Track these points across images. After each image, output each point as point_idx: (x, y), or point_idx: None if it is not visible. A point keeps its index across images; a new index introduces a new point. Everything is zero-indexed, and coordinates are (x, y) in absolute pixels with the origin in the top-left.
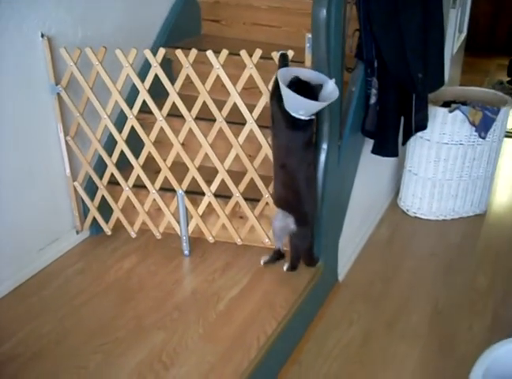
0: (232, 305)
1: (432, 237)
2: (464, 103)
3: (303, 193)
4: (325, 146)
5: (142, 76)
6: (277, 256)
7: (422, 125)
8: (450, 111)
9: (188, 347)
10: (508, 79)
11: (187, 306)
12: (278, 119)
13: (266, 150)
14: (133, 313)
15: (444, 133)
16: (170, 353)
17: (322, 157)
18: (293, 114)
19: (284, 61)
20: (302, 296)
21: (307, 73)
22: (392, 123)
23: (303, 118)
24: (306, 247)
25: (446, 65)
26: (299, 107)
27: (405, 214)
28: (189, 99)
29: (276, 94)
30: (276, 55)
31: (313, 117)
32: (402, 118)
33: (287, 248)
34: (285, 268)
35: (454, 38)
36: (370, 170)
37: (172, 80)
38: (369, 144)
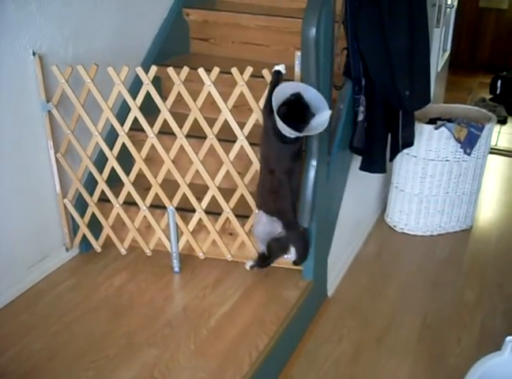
0: (223, 321)
1: (419, 252)
2: (449, 120)
3: (290, 198)
4: (314, 163)
5: (132, 93)
6: (262, 260)
7: (409, 142)
8: (436, 128)
9: (180, 364)
10: (490, 96)
11: (178, 323)
12: (269, 131)
13: (256, 167)
14: (124, 330)
15: (430, 150)
16: (162, 369)
17: (312, 174)
18: (282, 132)
19: (277, 78)
20: (292, 311)
21: (312, 94)
22: (379, 140)
23: (290, 136)
24: (303, 247)
25: (431, 82)
26: (284, 130)
27: (392, 230)
28: (179, 117)
29: (268, 106)
30: (267, 73)
31: (301, 135)
32: (389, 135)
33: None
34: (247, 266)
35: (438, 56)
36: (358, 187)
37: (161, 98)
38: (357, 160)
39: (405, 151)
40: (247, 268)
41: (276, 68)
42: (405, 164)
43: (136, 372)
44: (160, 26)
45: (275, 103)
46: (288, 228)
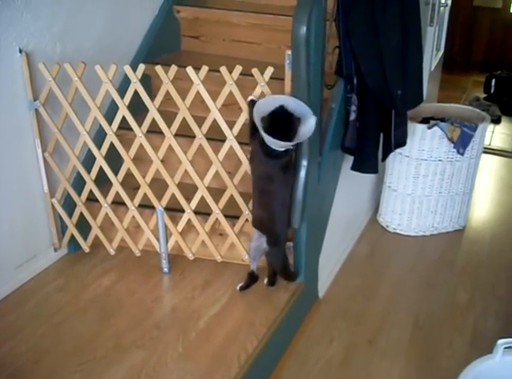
0: (212, 322)
1: (412, 252)
2: (442, 120)
3: (277, 214)
4: (305, 163)
5: (121, 91)
6: (251, 279)
7: (401, 142)
8: (429, 128)
9: (168, 366)
10: (484, 95)
11: (167, 324)
12: (256, 150)
13: (246, 167)
14: (112, 332)
15: (423, 150)
16: (149, 372)
17: (302, 174)
18: (270, 146)
19: (252, 107)
20: (282, 313)
21: (292, 103)
22: (372, 140)
23: (279, 149)
24: (280, 266)
25: (424, 81)
26: (271, 144)
27: (385, 230)
28: (168, 115)
29: (253, 130)
30: (256, 72)
31: (290, 147)
32: (382, 135)
33: (264, 264)
34: (265, 282)
35: (432, 55)
36: (350, 187)
37: (151, 96)
38: (348, 160)
39: (398, 150)
40: (237, 289)
41: (251, 98)
42: (398, 164)
43: (123, 374)
44: (150, 23)
45: (258, 118)
46: (273, 245)
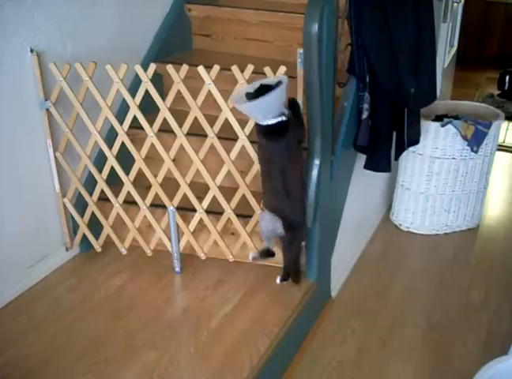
0: (224, 322)
1: (425, 251)
2: (456, 117)
3: (287, 198)
4: (317, 162)
5: (133, 90)
6: (267, 254)
7: (414, 140)
8: (442, 125)
9: (180, 367)
10: (498, 92)
11: (179, 324)
12: (257, 138)
13: (258, 166)
14: (123, 332)
15: (436, 148)
16: (161, 372)
17: (315, 173)
18: (262, 123)
19: None
20: (294, 313)
21: (270, 79)
22: (384, 138)
23: (270, 122)
24: (293, 258)
25: (437, 79)
26: (258, 113)
27: (398, 229)
28: (180, 114)
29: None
30: (268, 70)
31: (283, 118)
32: (394, 133)
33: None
34: (278, 280)
35: (445, 52)
36: (363, 185)
37: (163, 95)
38: (361, 158)
39: (411, 149)
40: (250, 258)
41: None
42: (411, 162)
43: (135, 375)
44: (161, 22)
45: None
46: (289, 229)
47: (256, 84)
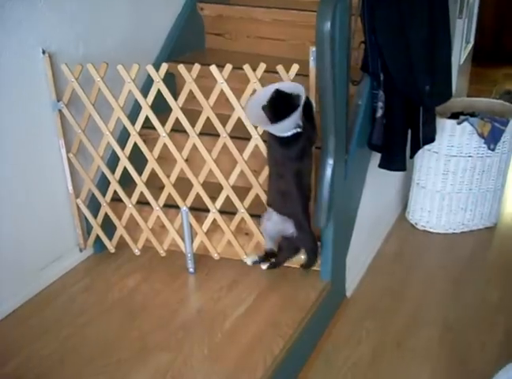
0: (238, 323)
1: (441, 251)
2: (472, 115)
3: (299, 200)
4: (330, 161)
5: (145, 91)
6: (270, 256)
7: (430, 138)
8: (458, 123)
9: (193, 368)
10: None
11: (192, 326)
12: (269, 140)
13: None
14: (137, 333)
15: (452, 146)
16: (175, 374)
17: (328, 172)
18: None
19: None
20: (309, 314)
21: (286, 85)
22: (399, 136)
23: (287, 134)
24: (310, 247)
25: (453, 76)
26: (280, 131)
27: (414, 227)
28: (193, 114)
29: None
30: (281, 68)
31: (298, 130)
32: (409, 131)
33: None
34: (264, 266)
35: (461, 48)
36: (378, 184)
37: (175, 95)
38: (376, 157)
39: (427, 147)
40: (249, 263)
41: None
42: (427, 160)
43: (148, 377)
44: (173, 21)
45: (257, 109)
46: (300, 229)
47: (271, 89)
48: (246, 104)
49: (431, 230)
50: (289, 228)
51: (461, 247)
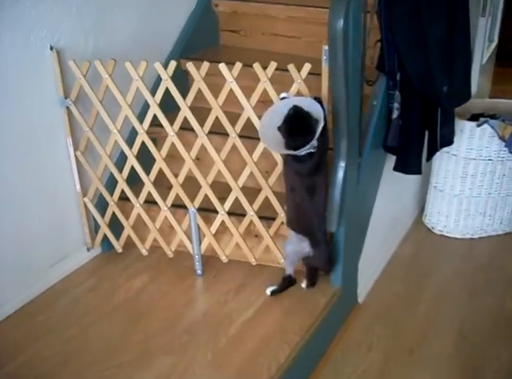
0: (244, 329)
1: (458, 256)
2: (493, 117)
3: (313, 214)
4: (342, 164)
5: (156, 89)
6: (288, 283)
7: (448, 140)
8: (478, 125)
9: (196, 374)
10: None
11: (197, 329)
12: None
13: (282, 166)
14: (141, 336)
15: (472, 148)
16: None
17: (340, 176)
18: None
19: None
20: (318, 320)
21: (306, 103)
22: (415, 139)
23: (300, 154)
24: (324, 264)
25: (474, 75)
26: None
27: (430, 232)
28: (203, 112)
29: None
30: (292, 67)
31: (312, 150)
32: (426, 133)
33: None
34: (303, 285)
35: (484, 47)
36: (394, 187)
37: (188, 93)
38: (391, 159)
39: (445, 149)
40: (268, 293)
41: (282, 95)
42: (445, 163)
43: None
44: (187, 18)
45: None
46: (316, 247)
47: (286, 106)
48: (260, 123)
49: (449, 234)
50: (305, 247)
51: (478, 253)
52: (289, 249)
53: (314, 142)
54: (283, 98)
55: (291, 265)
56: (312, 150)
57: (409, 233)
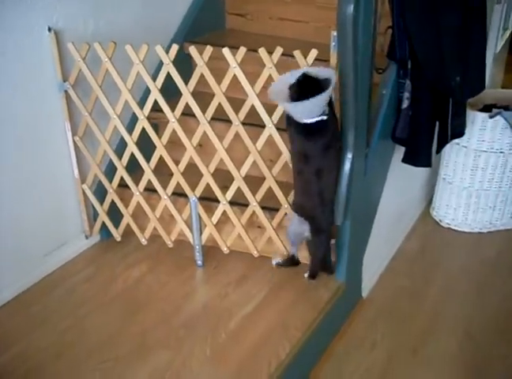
0: (244, 323)
1: (466, 251)
2: (506, 108)
3: (319, 200)
4: (349, 155)
5: (157, 75)
6: (291, 262)
7: (459, 132)
8: (491, 116)
9: (192, 370)
10: None
11: (196, 323)
12: (290, 132)
13: (286, 156)
14: (138, 329)
15: (483, 140)
16: (172, 376)
17: (347, 167)
18: (301, 121)
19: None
20: (320, 315)
21: (314, 70)
22: (426, 130)
23: (311, 120)
24: (320, 256)
25: (487, 65)
26: (299, 113)
27: (438, 225)
28: (206, 97)
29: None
30: (298, 54)
31: (323, 117)
32: (437, 124)
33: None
34: (306, 275)
35: (498, 35)
36: (401, 179)
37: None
38: (399, 150)
39: (455, 140)
40: (273, 263)
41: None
42: (455, 155)
43: (145, 377)
44: (192, 0)
45: (280, 95)
46: (316, 234)
47: (298, 73)
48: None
49: (456, 228)
50: (305, 230)
51: (487, 248)
52: (290, 230)
53: (325, 106)
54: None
55: (293, 246)
56: (323, 117)
57: (416, 225)
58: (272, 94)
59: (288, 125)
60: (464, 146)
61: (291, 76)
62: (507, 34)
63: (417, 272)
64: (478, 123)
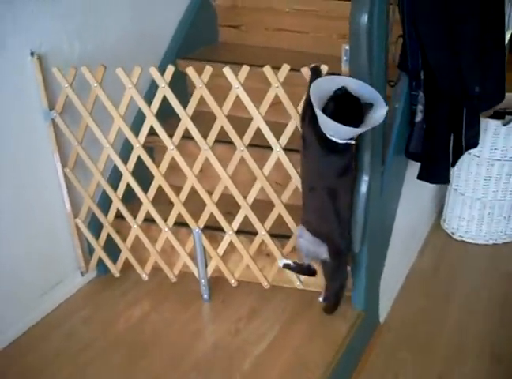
0: (260, 363)
1: (482, 264)
2: None
3: (336, 222)
4: (366, 178)
5: (151, 95)
6: (307, 271)
7: (473, 143)
8: (504, 124)
9: None
10: None
11: (208, 365)
12: (310, 139)
13: (296, 181)
14: (145, 375)
15: (496, 149)
16: None
17: (363, 190)
18: (328, 136)
19: (315, 77)
20: (340, 349)
21: (356, 85)
22: (442, 143)
23: (338, 141)
24: (340, 283)
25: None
26: (331, 130)
27: (450, 238)
28: (206, 117)
29: (308, 112)
30: (306, 71)
31: (351, 142)
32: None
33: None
34: (320, 299)
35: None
36: (413, 193)
37: (187, 97)
38: (412, 164)
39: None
40: (280, 265)
41: (313, 65)
42: (466, 165)
43: None
44: (183, 14)
45: (316, 101)
46: (336, 257)
47: (340, 80)
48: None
49: (470, 240)
50: (323, 253)
51: (504, 260)
52: (303, 244)
53: (360, 130)
54: (314, 68)
55: (306, 257)
56: (351, 142)
57: (428, 239)
58: (312, 94)
59: (307, 138)
60: (476, 155)
61: (333, 82)
62: (508, 34)
63: (434, 291)
64: (491, 131)
